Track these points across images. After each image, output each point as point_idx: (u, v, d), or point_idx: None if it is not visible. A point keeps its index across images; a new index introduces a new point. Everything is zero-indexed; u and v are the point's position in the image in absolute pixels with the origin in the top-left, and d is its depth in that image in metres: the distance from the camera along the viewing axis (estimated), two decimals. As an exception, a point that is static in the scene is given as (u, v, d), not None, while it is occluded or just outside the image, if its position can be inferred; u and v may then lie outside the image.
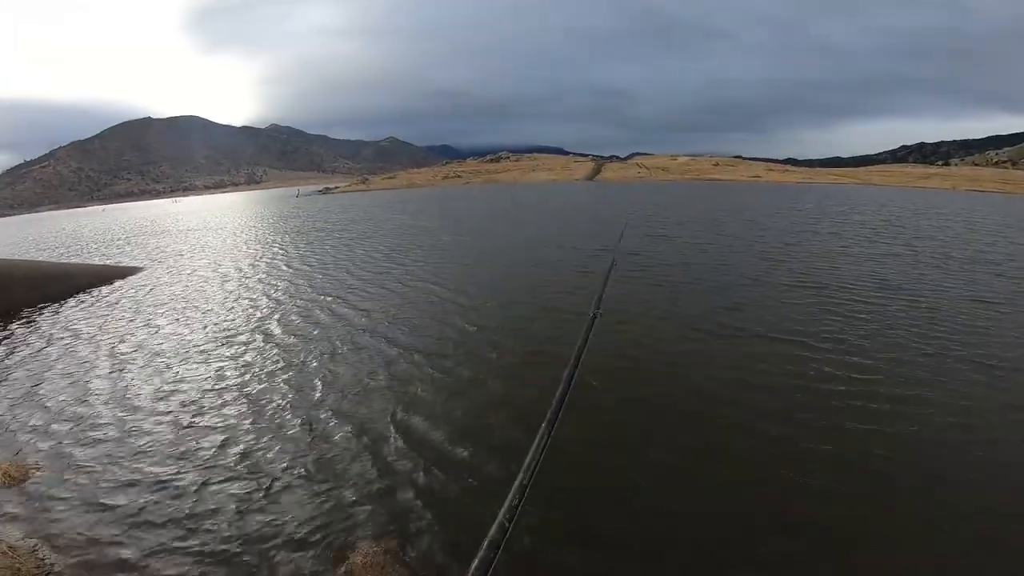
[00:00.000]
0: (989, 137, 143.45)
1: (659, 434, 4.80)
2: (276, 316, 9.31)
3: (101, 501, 4.22)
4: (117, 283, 13.50)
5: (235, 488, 4.28)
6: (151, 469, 4.63)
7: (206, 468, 4.59)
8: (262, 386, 6.27)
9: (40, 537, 3.81)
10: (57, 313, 10.68)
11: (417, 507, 3.93)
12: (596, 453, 4.49)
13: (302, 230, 25.73)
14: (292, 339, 7.96)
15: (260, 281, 12.77)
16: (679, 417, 5.10)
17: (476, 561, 1.17)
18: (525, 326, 7.98)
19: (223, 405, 5.82)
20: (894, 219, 21.19)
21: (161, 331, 8.84)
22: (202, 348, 7.78)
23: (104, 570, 3.49)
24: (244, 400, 5.92)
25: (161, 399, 6.09)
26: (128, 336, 8.65)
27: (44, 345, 8.45)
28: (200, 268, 15.38)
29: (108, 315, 10.23)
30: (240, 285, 12.42)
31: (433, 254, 15.22)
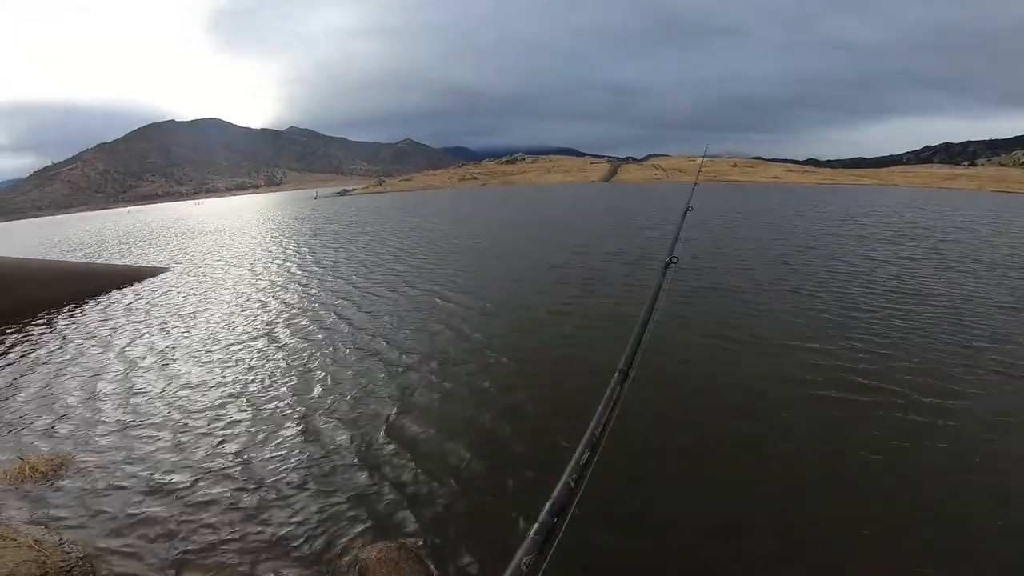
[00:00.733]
0: (1016, 137, 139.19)
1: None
2: (300, 319, 9.43)
3: (128, 497, 4.31)
4: (145, 282, 13.96)
5: (251, 485, 4.35)
6: (174, 466, 4.72)
7: (232, 464, 4.67)
8: (287, 388, 6.36)
9: (67, 531, 3.90)
10: (85, 312, 10.97)
11: (432, 505, 3.96)
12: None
13: (317, 232, 26.08)
14: (316, 341, 8.10)
15: (279, 285, 12.99)
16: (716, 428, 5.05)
17: (536, 525, 1.04)
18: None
19: (250, 405, 5.92)
20: (920, 221, 20.68)
21: (187, 331, 9.02)
22: (230, 347, 7.94)
23: (130, 564, 3.57)
24: (270, 400, 6.01)
25: (190, 398, 6.20)
26: (153, 336, 8.85)
27: (70, 343, 8.69)
28: (223, 270, 15.67)
29: (134, 315, 10.49)
30: (260, 288, 12.65)
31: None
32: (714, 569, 3.36)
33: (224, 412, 5.77)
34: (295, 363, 7.15)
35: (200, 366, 7.26)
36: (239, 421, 5.54)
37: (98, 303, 11.80)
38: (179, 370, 7.17)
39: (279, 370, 6.94)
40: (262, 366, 7.12)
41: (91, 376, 7.16)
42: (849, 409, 5.13)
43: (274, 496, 4.21)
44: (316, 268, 14.86)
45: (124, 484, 4.50)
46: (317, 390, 6.22)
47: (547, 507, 1.09)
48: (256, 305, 10.70)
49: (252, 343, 8.14)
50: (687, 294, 9.42)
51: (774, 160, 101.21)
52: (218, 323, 9.44)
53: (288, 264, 16.04)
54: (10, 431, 5.65)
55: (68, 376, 7.21)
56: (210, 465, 4.72)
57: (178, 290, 12.76)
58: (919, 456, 4.34)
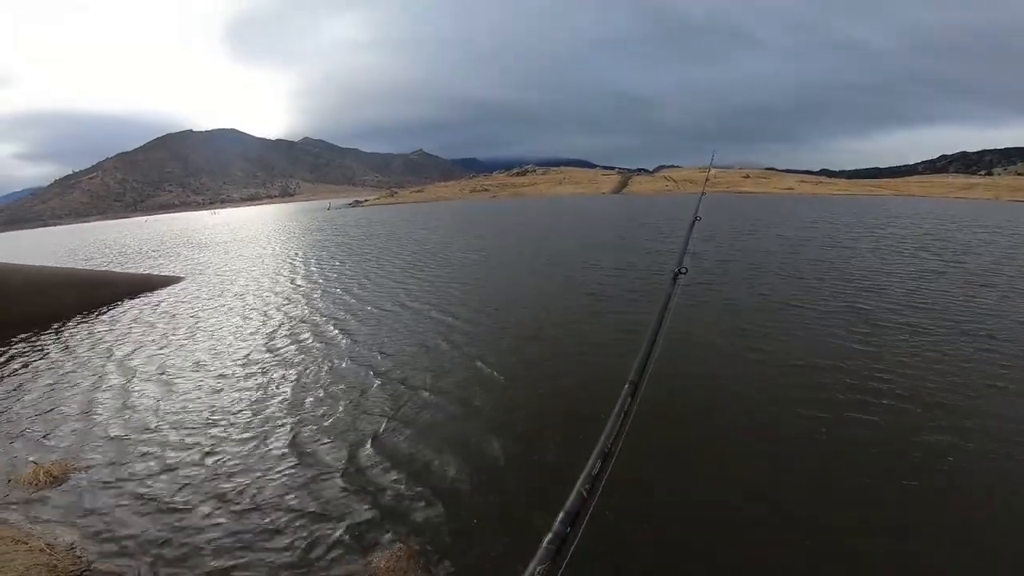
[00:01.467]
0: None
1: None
2: (315, 331, 9.50)
3: (138, 501, 4.33)
4: (161, 291, 14.24)
5: (259, 493, 4.35)
6: (187, 471, 4.75)
7: (241, 469, 4.69)
8: (300, 400, 6.41)
9: (78, 535, 3.93)
10: (101, 321, 11.17)
11: (442, 512, 3.94)
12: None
13: (325, 245, 26.34)
14: (333, 346, 8.16)
15: (289, 296, 13.16)
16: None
17: (549, 535, 1.03)
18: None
19: (264, 410, 5.97)
20: (940, 233, 20.30)
21: (202, 341, 9.14)
22: (246, 354, 8.05)
23: (140, 567, 3.58)
24: (282, 410, 6.04)
25: (201, 405, 6.26)
26: (164, 346, 8.97)
27: (86, 349, 8.84)
28: (236, 280, 15.89)
29: (149, 324, 10.67)
30: (273, 298, 12.82)
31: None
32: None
33: (236, 421, 5.81)
34: (311, 376, 7.20)
35: (216, 377, 7.34)
36: (249, 429, 5.58)
37: (114, 311, 12.01)
38: (195, 379, 7.25)
39: (297, 381, 6.99)
40: (281, 378, 7.18)
41: (104, 384, 7.26)
42: (867, 426, 5.00)
43: (282, 503, 4.20)
44: (330, 282, 14.96)
45: (133, 491, 4.52)
46: (339, 406, 6.23)
47: (560, 517, 1.09)
48: (267, 315, 10.84)
49: (267, 353, 8.23)
50: (697, 306, 9.35)
51: (787, 171, 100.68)
52: (231, 333, 9.54)
53: (304, 276, 16.26)
54: (23, 437, 5.73)
55: (80, 384, 7.32)
56: (219, 472, 4.74)
57: (193, 300, 12.94)
58: (945, 482, 4.16)
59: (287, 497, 4.29)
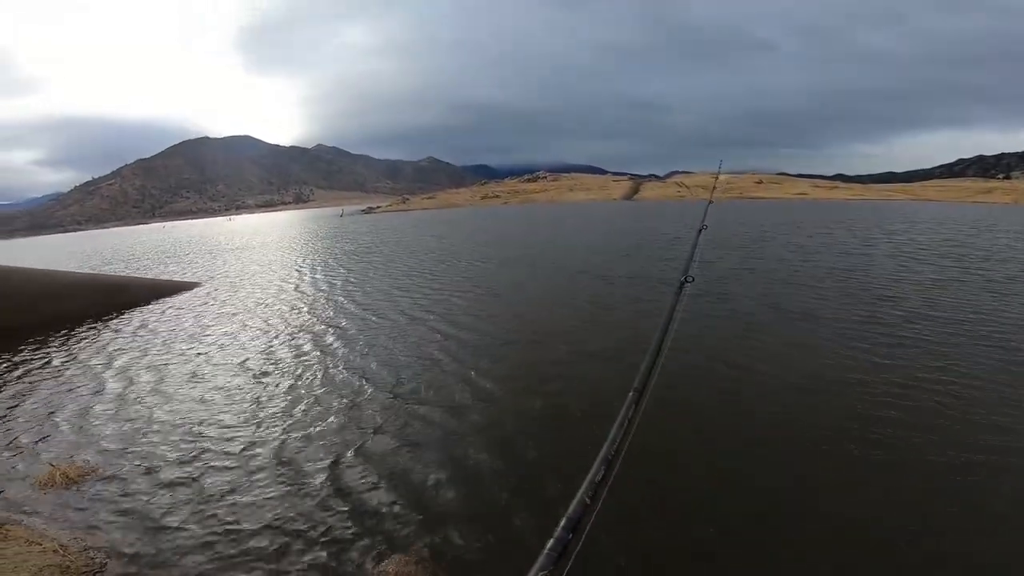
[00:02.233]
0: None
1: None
2: (328, 337, 9.58)
3: (156, 505, 4.37)
4: (178, 296, 14.52)
5: (274, 494, 4.38)
6: (201, 475, 4.79)
7: (252, 474, 4.73)
8: (308, 399, 6.46)
9: (92, 537, 3.97)
10: (121, 325, 11.36)
11: (449, 521, 3.92)
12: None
13: (335, 253, 26.56)
14: (346, 348, 8.24)
15: (302, 299, 13.30)
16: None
17: (551, 541, 1.03)
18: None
19: (279, 414, 6.02)
20: (961, 239, 19.73)
21: (219, 345, 9.25)
22: (274, 354, 8.16)
23: (153, 570, 3.61)
24: (297, 414, 6.10)
25: (216, 408, 6.33)
26: (183, 350, 9.10)
27: (104, 352, 8.98)
28: (251, 285, 16.11)
29: (166, 327, 10.85)
30: (289, 303, 12.96)
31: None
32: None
33: (247, 426, 5.86)
34: (324, 384, 7.25)
35: (234, 377, 7.45)
36: (265, 433, 5.62)
37: (134, 315, 12.22)
38: (211, 382, 7.35)
39: (313, 385, 7.05)
40: (299, 379, 7.25)
41: (126, 389, 7.37)
42: (875, 438, 4.86)
43: (293, 509, 4.22)
44: (342, 291, 15.09)
45: (150, 494, 4.57)
46: (347, 413, 6.28)
47: (562, 523, 1.09)
48: (283, 319, 10.96)
49: (285, 355, 8.32)
50: (704, 315, 9.25)
51: (800, 176, 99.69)
52: (250, 337, 9.66)
53: (319, 283, 16.48)
54: (40, 438, 5.82)
55: (98, 389, 7.44)
56: (232, 478, 4.78)
57: (209, 304, 13.15)
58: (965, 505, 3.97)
59: (299, 503, 4.32)
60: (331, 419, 5.83)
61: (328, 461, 4.93)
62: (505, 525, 3.87)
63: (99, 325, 11.27)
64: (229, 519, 4.12)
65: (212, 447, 5.33)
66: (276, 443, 5.34)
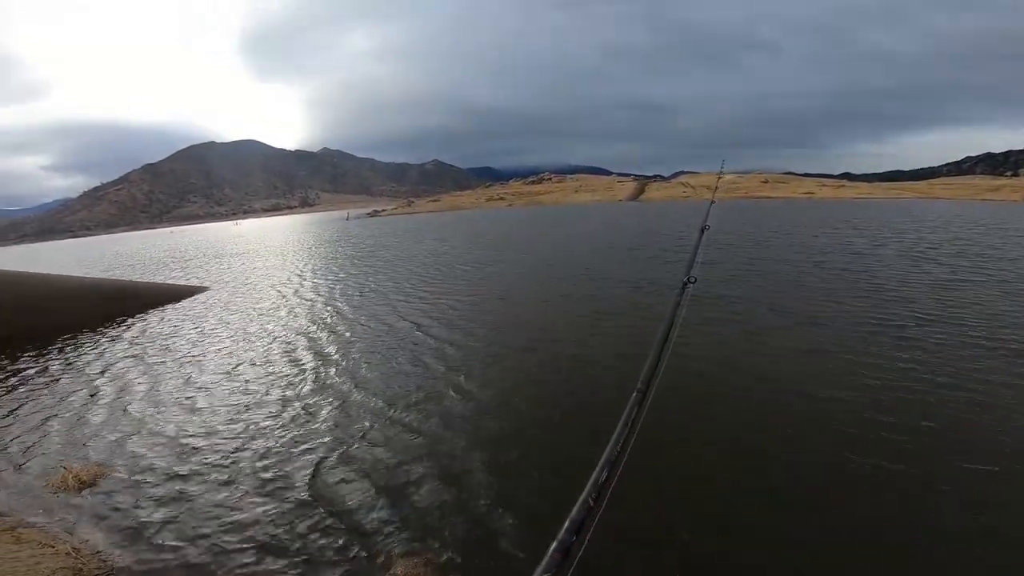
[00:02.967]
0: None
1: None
2: (340, 340, 9.62)
3: (169, 508, 4.41)
4: (187, 301, 14.70)
5: (279, 495, 4.42)
6: (212, 477, 4.83)
7: (259, 476, 4.77)
8: (326, 405, 6.51)
9: (105, 540, 4.01)
10: (129, 329, 11.51)
11: (455, 523, 3.94)
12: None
13: (340, 257, 26.66)
14: (355, 353, 8.31)
15: (313, 302, 13.40)
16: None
17: (555, 543, 1.02)
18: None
19: (292, 419, 6.06)
20: (973, 237, 19.35)
21: (225, 349, 9.35)
22: (289, 359, 8.24)
23: (165, 572, 3.64)
24: (302, 416, 6.15)
25: (228, 412, 6.39)
26: (192, 355, 9.19)
27: (117, 357, 9.10)
28: (257, 290, 16.24)
29: (176, 331, 10.98)
30: (296, 307, 13.10)
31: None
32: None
33: (253, 428, 5.92)
34: (337, 380, 7.30)
35: (261, 378, 7.55)
36: (270, 436, 5.67)
37: (144, 319, 12.42)
38: (225, 385, 7.43)
39: (323, 386, 7.11)
40: (305, 385, 7.30)
41: (138, 392, 7.45)
42: (885, 446, 4.76)
43: (301, 512, 4.25)
44: (346, 295, 15.16)
45: (164, 497, 4.61)
46: (354, 413, 6.32)
47: (566, 525, 1.08)
48: (291, 325, 11.02)
49: (293, 362, 8.37)
50: (707, 316, 9.16)
51: (807, 175, 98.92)
52: (267, 341, 9.75)
53: (323, 286, 16.64)
54: (54, 441, 5.90)
55: (113, 389, 7.52)
56: (240, 481, 4.82)
57: (218, 308, 13.29)
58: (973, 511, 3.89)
59: (308, 506, 4.35)
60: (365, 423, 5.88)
61: (355, 470, 4.97)
62: (509, 528, 3.88)
63: (120, 328, 11.49)
64: (234, 522, 4.15)
65: (226, 452, 5.38)
66: (299, 450, 5.38)
